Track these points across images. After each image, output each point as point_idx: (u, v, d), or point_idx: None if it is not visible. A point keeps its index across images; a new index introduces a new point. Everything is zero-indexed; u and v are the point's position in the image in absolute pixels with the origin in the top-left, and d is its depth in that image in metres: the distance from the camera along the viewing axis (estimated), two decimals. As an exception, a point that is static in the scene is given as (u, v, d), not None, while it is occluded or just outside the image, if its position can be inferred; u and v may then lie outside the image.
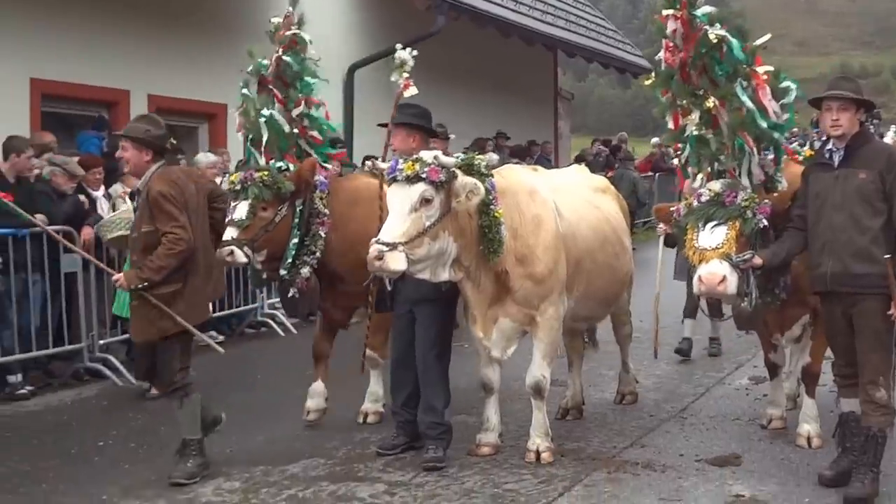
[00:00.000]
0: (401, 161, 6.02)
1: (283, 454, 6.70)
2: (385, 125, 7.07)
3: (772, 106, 6.27)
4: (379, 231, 6.05)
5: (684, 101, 6.33)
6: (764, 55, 6.38)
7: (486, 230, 6.14)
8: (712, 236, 6.06)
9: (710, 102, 6.17)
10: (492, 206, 6.14)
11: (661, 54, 6.43)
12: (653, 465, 6.44)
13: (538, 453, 6.52)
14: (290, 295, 7.20)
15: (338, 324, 7.51)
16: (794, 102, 6.50)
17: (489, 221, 6.14)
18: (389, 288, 6.61)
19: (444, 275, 6.14)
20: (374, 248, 5.76)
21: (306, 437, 7.05)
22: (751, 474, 6.29)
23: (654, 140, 23.40)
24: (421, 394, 6.59)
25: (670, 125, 6.62)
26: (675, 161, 6.64)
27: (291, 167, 7.11)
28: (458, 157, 6.19)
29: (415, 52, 7.01)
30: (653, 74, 6.52)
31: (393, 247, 5.75)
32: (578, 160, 15.80)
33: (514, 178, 6.64)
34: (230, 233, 6.74)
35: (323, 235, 7.06)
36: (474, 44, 17.91)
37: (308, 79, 7.32)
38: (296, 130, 7.24)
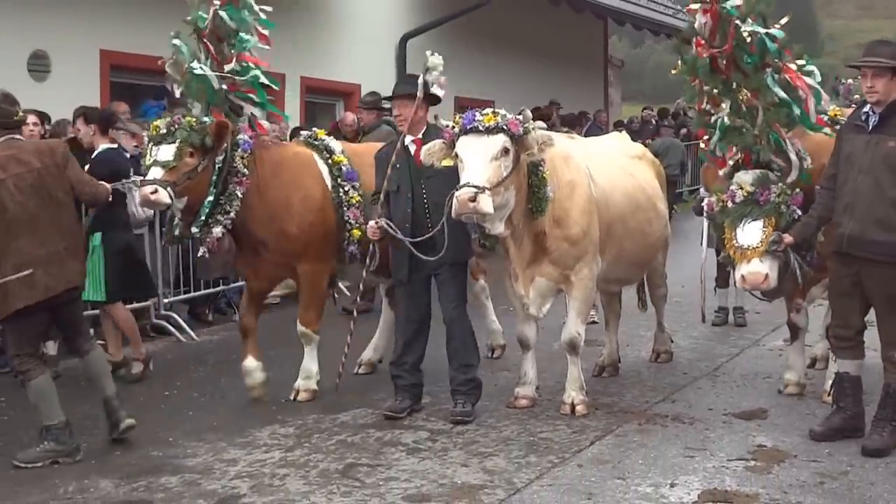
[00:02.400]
0: (478, 113, 6.26)
1: (334, 404, 7.16)
2: (388, 98, 7.26)
3: (811, 93, 6.43)
4: (301, 201, 6.73)
5: (714, 89, 6.49)
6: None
7: (536, 189, 6.45)
8: (750, 234, 6.26)
9: (743, 94, 6.35)
10: (540, 167, 6.47)
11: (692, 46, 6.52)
12: (681, 418, 6.80)
13: (573, 405, 6.88)
14: (199, 254, 7.14)
15: (260, 294, 7.41)
16: (819, 86, 6.61)
17: (538, 181, 6.46)
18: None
19: (500, 227, 6.40)
20: (465, 191, 5.97)
21: (356, 390, 7.50)
22: (775, 427, 6.62)
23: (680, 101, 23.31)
24: (452, 352, 6.84)
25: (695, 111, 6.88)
26: (703, 146, 6.82)
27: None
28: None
29: (442, 57, 6.95)
30: (679, 63, 6.65)
31: (482, 189, 5.99)
32: (618, 127, 15.99)
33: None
34: (154, 173, 6.64)
35: (239, 195, 6.93)
36: (524, 12, 18.13)
37: (244, 35, 7.15)
38: (224, 87, 7.07)
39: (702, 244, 9.38)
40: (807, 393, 7.32)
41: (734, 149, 6.54)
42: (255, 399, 7.24)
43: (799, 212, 6.33)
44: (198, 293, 10.10)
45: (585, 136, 14.83)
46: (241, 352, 7.36)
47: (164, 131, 6.77)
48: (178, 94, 7.20)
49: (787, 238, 6.25)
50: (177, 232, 7.14)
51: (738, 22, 6.36)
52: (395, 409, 6.82)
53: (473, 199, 5.94)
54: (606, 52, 23.35)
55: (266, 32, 7.36)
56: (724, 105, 6.53)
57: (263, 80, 7.20)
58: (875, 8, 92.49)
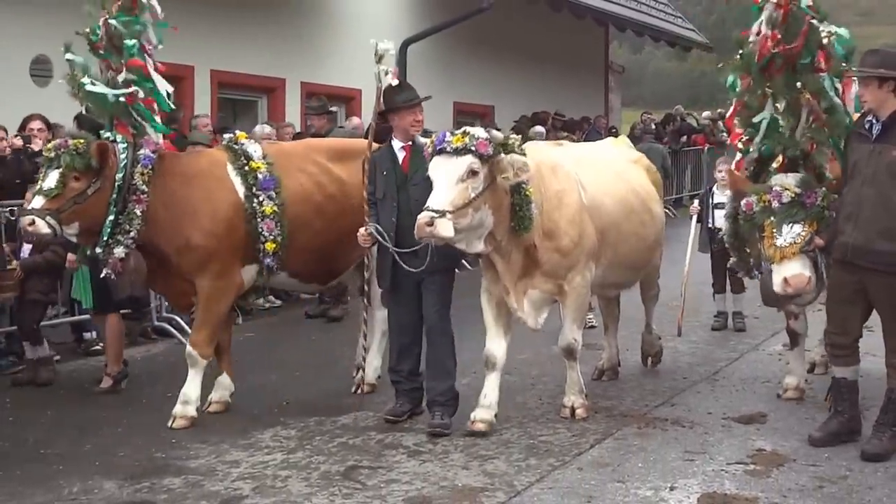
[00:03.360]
0: (448, 134, 6.21)
1: (335, 407, 7.20)
2: (382, 114, 6.89)
3: (851, 104, 6.51)
4: (207, 213, 6.53)
5: (766, 89, 6.43)
6: (826, 27, 6.48)
7: (518, 207, 6.33)
8: (790, 235, 6.24)
9: (807, 96, 6.31)
10: (523, 185, 6.32)
11: (752, 37, 6.50)
12: (681, 422, 6.83)
13: (573, 409, 6.91)
14: (101, 276, 6.90)
15: (180, 308, 7.19)
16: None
17: (520, 199, 6.33)
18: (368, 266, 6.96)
19: (479, 246, 6.37)
20: (423, 215, 5.95)
21: (357, 394, 7.53)
22: (774, 431, 6.65)
23: (706, 114, 23.56)
24: (431, 360, 6.74)
25: (731, 109, 6.85)
26: (741, 145, 6.74)
27: (120, 139, 6.76)
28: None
29: (392, 43, 6.89)
30: (738, 56, 6.57)
31: (442, 214, 5.95)
32: (611, 131, 15.98)
33: (538, 154, 6.77)
34: (36, 202, 6.49)
35: (139, 214, 6.65)
36: (524, 18, 18.18)
37: (128, 42, 6.76)
38: (122, 100, 6.77)
39: (687, 251, 9.51)
40: (806, 398, 7.36)
41: (776, 149, 6.50)
42: (211, 412, 7.09)
43: (834, 214, 6.27)
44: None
45: (585, 140, 14.98)
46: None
47: (52, 155, 6.59)
48: (83, 110, 7.03)
49: (818, 241, 6.23)
50: (88, 252, 6.88)
51: (813, 21, 6.32)
52: (396, 412, 6.84)
53: (430, 224, 5.91)
54: (607, 58, 23.41)
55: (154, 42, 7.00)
56: (777, 105, 6.43)
57: (161, 91, 6.92)
58: (876, 14, 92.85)
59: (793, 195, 6.27)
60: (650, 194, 7.75)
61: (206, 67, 12.59)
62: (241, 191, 6.94)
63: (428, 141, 6.34)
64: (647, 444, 6.39)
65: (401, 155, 6.74)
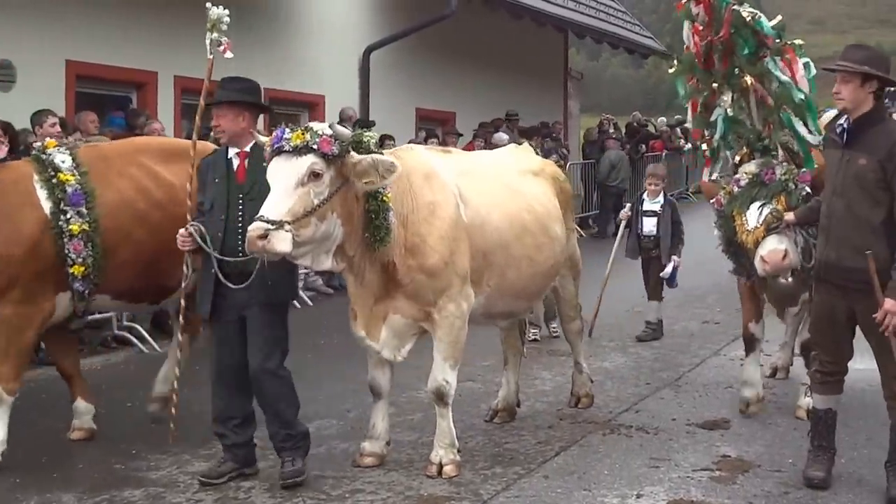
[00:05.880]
0: (287, 130, 5.34)
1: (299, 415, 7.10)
2: (209, 105, 5.98)
3: (803, 81, 6.39)
4: (7, 234, 5.77)
5: (712, 85, 6.45)
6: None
7: (373, 216, 5.49)
8: (760, 216, 6.12)
9: (748, 80, 6.30)
10: (380, 190, 5.48)
11: (686, 39, 6.56)
12: (646, 429, 6.84)
13: (440, 466, 5.91)
14: None
15: None
16: (813, 79, 6.54)
17: (376, 206, 5.49)
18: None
19: (327, 263, 5.53)
20: (255, 226, 5.06)
21: (320, 401, 7.44)
22: (738, 437, 6.69)
23: (662, 119, 23.79)
24: (263, 406, 5.83)
25: (689, 113, 6.85)
26: (704, 147, 6.72)
27: None
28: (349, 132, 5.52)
29: (227, 10, 5.98)
30: (675, 62, 6.61)
31: (279, 225, 5.07)
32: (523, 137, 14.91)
33: (411, 159, 5.94)
34: None
35: None
36: (485, 25, 18.22)
37: None
38: None
39: (610, 255, 9.78)
40: (767, 402, 7.38)
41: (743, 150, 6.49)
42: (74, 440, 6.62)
43: (808, 189, 6.09)
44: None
45: (542, 147, 14.91)
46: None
47: None
48: None
49: (789, 217, 6.05)
50: None
51: (735, 7, 6.32)
52: (213, 474, 5.84)
53: (264, 237, 5.05)
54: (567, 65, 23.50)
55: None
56: (724, 98, 6.43)
57: None
58: (826, 23, 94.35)
59: (751, 176, 6.24)
60: (550, 212, 6.68)
61: (169, 73, 12.47)
62: (47, 207, 6.13)
63: (266, 140, 5.49)
64: (612, 450, 6.40)
65: (235, 162, 5.78)
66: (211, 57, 5.90)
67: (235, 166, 5.75)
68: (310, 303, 11.57)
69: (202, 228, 5.65)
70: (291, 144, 5.25)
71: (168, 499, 5.60)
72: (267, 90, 14.14)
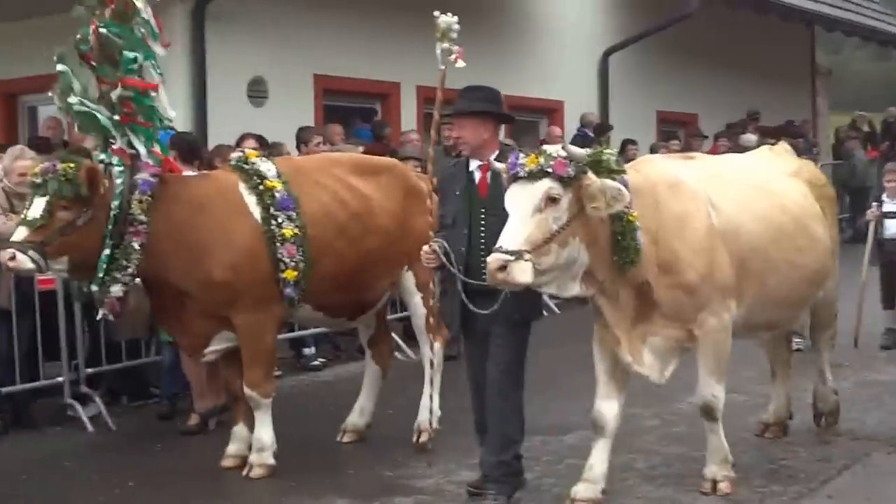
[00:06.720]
0: (521, 155, 5.15)
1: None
2: (447, 115, 5.93)
3: None
4: (224, 243, 5.80)
5: None
6: None
7: (620, 237, 5.20)
8: None
9: None
10: (624, 210, 5.16)
11: None
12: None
13: (714, 483, 5.66)
14: (98, 318, 6.34)
15: (190, 351, 6.48)
16: None
17: (622, 227, 5.19)
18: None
19: (574, 289, 5.27)
20: (494, 258, 4.90)
21: (577, 411, 7.24)
22: None
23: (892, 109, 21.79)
24: (490, 423, 5.59)
25: None
26: None
27: (116, 161, 5.99)
28: (586, 152, 5.25)
29: (455, 17, 5.69)
30: None
31: (518, 255, 4.89)
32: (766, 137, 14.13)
33: (652, 171, 5.68)
34: (20, 233, 5.74)
35: (137, 248, 5.88)
36: (728, 23, 17.63)
37: (128, 54, 5.91)
38: (117, 118, 5.96)
39: (863, 265, 9.13)
40: None
41: None
42: (226, 468, 6.43)
43: None
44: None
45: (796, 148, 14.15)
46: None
47: (39, 181, 5.81)
48: (76, 128, 6.30)
49: None
50: (85, 289, 6.16)
51: None
52: (480, 483, 5.71)
53: (503, 268, 4.88)
54: (814, 61, 22.45)
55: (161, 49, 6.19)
56: None
57: (162, 110, 6.14)
58: None
59: None
60: (809, 211, 6.25)
61: (411, 84, 12.75)
62: (257, 214, 6.17)
63: (503, 167, 5.29)
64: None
65: (477, 175, 5.64)
66: (443, 67, 5.70)
67: (477, 179, 5.61)
68: (557, 310, 11.45)
69: (446, 245, 5.52)
70: (526, 170, 5.06)
71: (438, 509, 5.61)
72: (505, 97, 14.33)
